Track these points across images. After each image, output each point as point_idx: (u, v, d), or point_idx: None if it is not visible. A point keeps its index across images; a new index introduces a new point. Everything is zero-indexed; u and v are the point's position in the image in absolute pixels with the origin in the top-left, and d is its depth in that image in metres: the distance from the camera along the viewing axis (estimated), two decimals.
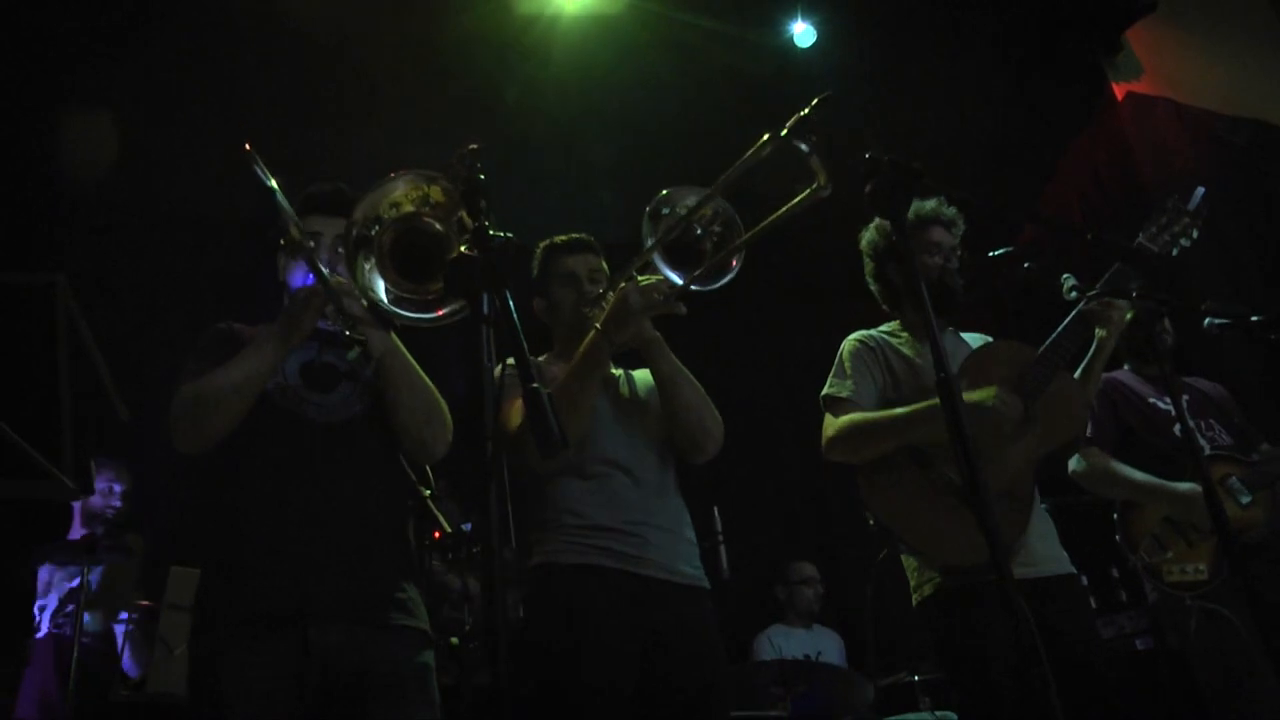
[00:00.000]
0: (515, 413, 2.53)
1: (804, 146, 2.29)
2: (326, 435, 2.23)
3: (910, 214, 3.02)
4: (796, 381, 5.28)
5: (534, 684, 2.33)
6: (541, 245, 2.89)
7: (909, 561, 2.82)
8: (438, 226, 1.98)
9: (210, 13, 4.70)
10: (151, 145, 5.02)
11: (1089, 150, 5.47)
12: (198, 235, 5.29)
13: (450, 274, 1.49)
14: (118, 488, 4.36)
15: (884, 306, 3.15)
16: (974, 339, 3.08)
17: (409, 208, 1.98)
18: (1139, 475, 3.38)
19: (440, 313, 1.96)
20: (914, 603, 2.81)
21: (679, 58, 5.48)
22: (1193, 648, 3.25)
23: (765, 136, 2.15)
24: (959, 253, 3.03)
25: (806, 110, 2.10)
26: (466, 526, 3.37)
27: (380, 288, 1.99)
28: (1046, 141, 5.71)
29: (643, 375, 2.79)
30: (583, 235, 2.86)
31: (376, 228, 1.96)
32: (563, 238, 2.87)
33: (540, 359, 2.85)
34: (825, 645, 4.73)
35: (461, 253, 1.49)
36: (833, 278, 3.83)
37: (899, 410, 2.78)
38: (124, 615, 3.83)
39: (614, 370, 2.78)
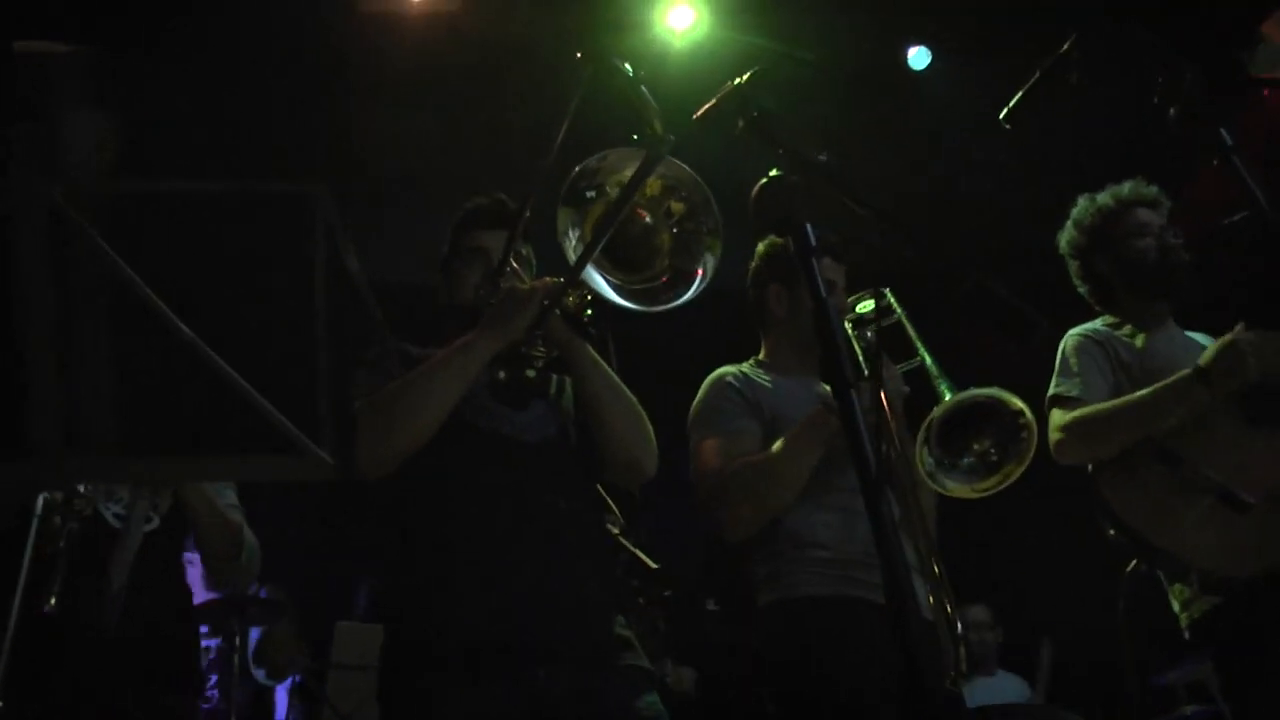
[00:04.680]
0: (713, 453, 2.32)
1: None
2: (530, 455, 2.01)
3: (1109, 200, 2.82)
4: None
5: None
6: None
7: (1175, 584, 2.49)
8: (648, 219, 1.91)
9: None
10: None
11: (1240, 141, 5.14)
12: None
13: (763, 200, 1.26)
14: None
15: (1097, 307, 2.88)
16: (1203, 339, 2.78)
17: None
18: None
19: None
20: (1183, 624, 2.47)
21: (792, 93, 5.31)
22: None
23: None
24: (1175, 232, 2.76)
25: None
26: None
27: (569, 248, 1.86)
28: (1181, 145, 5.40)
29: None
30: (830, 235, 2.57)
31: (591, 193, 1.86)
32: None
33: (745, 366, 2.58)
34: (1011, 693, 4.33)
35: (773, 175, 1.27)
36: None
37: (1140, 393, 2.48)
38: (294, 678, 3.57)
39: None
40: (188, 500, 2.20)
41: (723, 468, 2.31)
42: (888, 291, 2.56)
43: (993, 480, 2.28)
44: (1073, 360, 2.67)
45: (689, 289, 1.90)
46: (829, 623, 2.17)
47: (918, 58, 5.41)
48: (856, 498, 2.30)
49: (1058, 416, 2.58)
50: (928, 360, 2.39)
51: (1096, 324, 2.80)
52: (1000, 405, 2.28)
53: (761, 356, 2.63)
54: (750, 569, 2.35)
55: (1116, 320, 2.79)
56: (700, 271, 1.91)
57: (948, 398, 2.28)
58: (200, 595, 3.21)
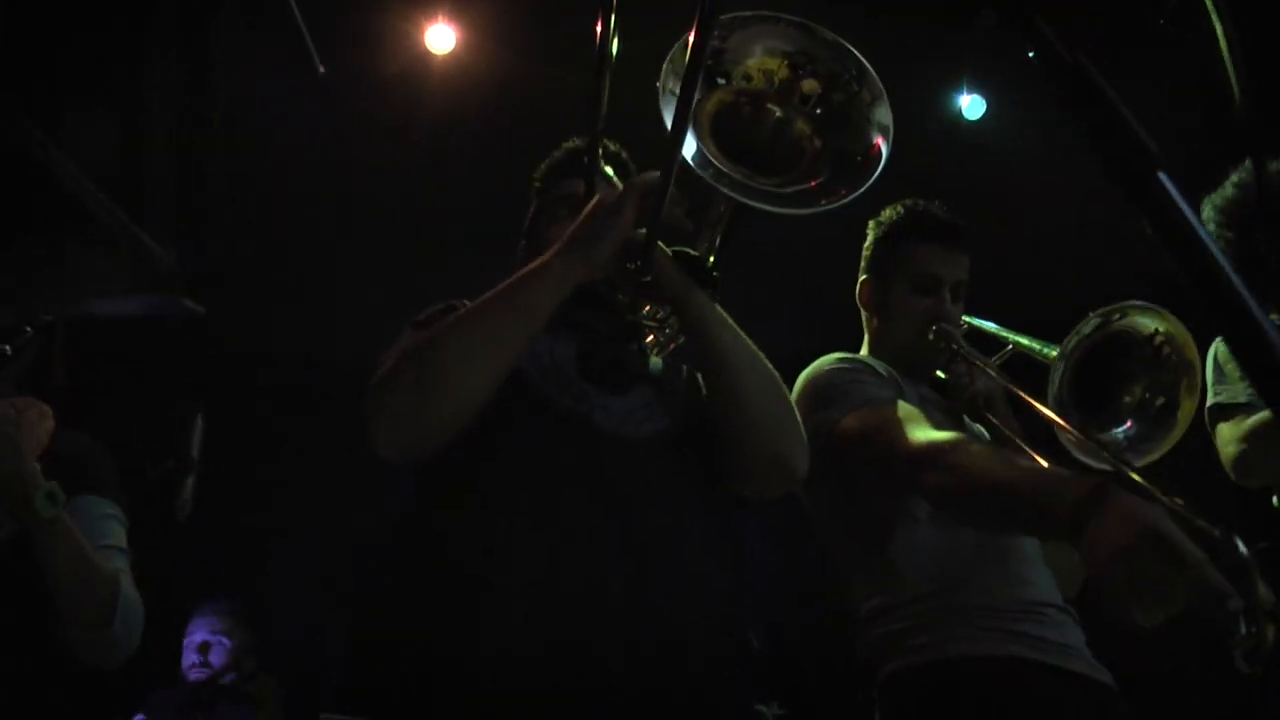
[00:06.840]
0: (907, 421, 1.73)
1: None
2: (629, 453, 1.47)
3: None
4: None
5: None
6: (898, 211, 2.14)
7: None
8: (778, 112, 1.56)
9: None
10: None
11: None
12: None
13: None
14: (225, 643, 3.23)
15: None
16: None
17: (759, 84, 1.54)
18: None
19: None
20: None
21: None
22: None
23: None
24: None
25: None
26: None
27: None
28: None
29: None
30: (954, 218, 2.10)
31: (721, 80, 1.50)
32: (923, 205, 2.10)
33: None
34: None
35: None
36: None
37: None
38: None
39: None
40: (35, 535, 1.59)
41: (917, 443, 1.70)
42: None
43: (1176, 429, 1.81)
44: (1229, 366, 2.29)
45: (875, 168, 1.46)
46: (993, 690, 1.64)
47: (971, 108, 5.18)
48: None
49: (1228, 431, 2.19)
50: (1022, 341, 2.00)
51: None
52: (1126, 336, 1.83)
53: (864, 352, 2.17)
54: (866, 629, 1.85)
55: (1274, 317, 2.42)
56: (879, 141, 1.48)
57: (1054, 353, 1.85)
58: None
